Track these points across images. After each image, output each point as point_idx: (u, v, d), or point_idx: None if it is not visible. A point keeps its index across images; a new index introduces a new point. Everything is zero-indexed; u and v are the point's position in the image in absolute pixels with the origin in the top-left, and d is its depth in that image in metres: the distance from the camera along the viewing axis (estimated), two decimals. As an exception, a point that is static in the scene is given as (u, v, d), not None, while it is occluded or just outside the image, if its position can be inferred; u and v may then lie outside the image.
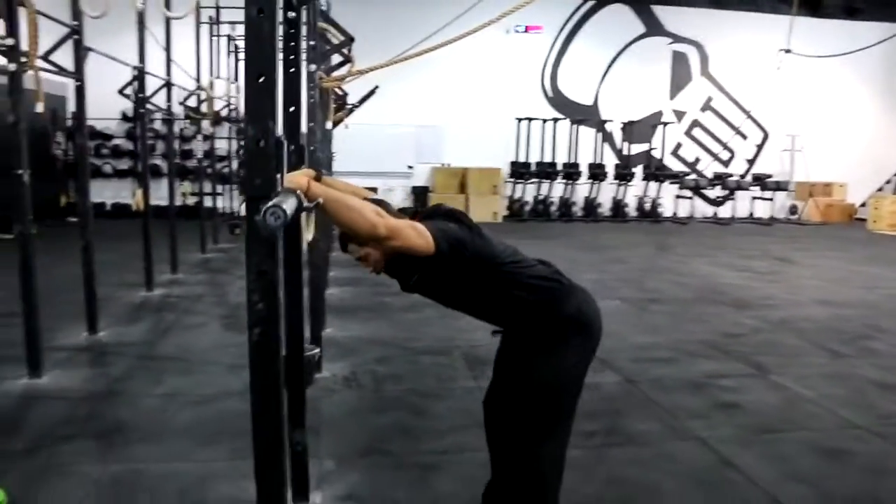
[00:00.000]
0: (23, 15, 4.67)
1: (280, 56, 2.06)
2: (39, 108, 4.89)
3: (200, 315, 6.51)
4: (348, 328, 6.10)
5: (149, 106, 7.96)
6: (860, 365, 5.22)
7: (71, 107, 12.82)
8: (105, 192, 15.26)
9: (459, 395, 4.45)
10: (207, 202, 12.33)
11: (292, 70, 2.95)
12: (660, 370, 5.02)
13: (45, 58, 5.31)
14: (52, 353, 5.10)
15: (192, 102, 10.51)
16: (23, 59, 4.65)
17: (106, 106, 12.75)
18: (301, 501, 3.07)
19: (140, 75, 7.33)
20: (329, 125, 6.10)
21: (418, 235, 2.18)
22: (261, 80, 1.77)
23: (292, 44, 2.92)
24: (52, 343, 5.31)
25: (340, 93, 8.01)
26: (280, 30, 2.22)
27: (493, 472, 2.72)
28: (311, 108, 4.86)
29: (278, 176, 1.77)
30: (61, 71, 5.45)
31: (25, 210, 4.63)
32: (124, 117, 14.80)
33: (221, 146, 13.64)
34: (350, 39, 5.14)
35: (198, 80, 10.45)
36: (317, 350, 4.69)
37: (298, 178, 2.08)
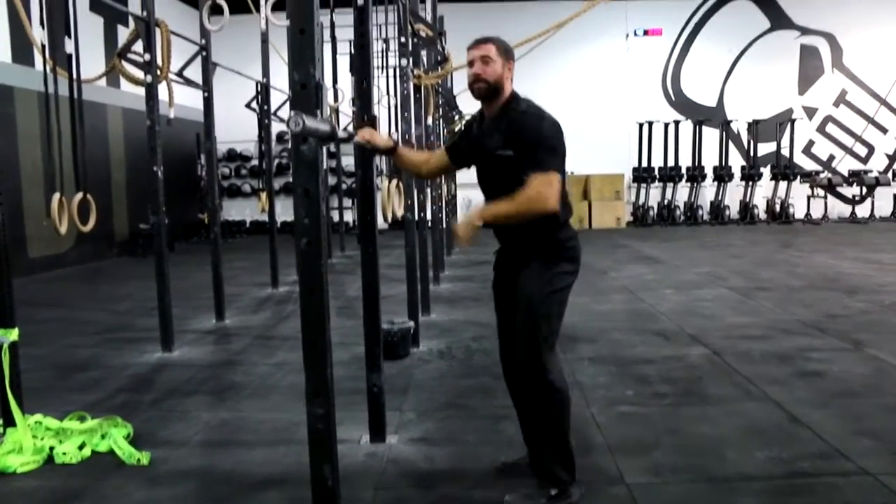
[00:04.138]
0: (158, 35, 5.33)
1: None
2: (171, 113, 5.55)
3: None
4: (452, 314, 6.44)
5: (274, 120, 8.68)
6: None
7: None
8: (245, 210, 16.51)
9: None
10: (335, 215, 13.16)
11: (363, 51, 3.34)
12: (749, 345, 5.01)
13: (179, 73, 6.03)
14: (184, 335, 5.76)
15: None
16: (157, 72, 5.32)
17: (245, 129, 13.91)
18: (377, 442, 3.40)
19: (264, 89, 8.03)
20: (430, 121, 6.49)
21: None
22: (303, 34, 2.13)
23: (362, 28, 3.32)
24: (185, 328, 6.00)
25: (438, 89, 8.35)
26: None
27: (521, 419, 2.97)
28: (404, 99, 5.26)
29: (318, 111, 2.11)
30: (189, 83, 6.14)
31: (160, 203, 5.28)
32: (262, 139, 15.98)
33: (348, 162, 14.40)
34: (438, 34, 5.49)
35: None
36: (411, 324, 5.04)
37: (381, 137, 2.78)
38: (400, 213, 4.30)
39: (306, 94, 2.11)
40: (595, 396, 4.00)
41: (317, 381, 2.19)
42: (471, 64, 2.73)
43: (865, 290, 7.00)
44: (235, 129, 14.08)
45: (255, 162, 16.20)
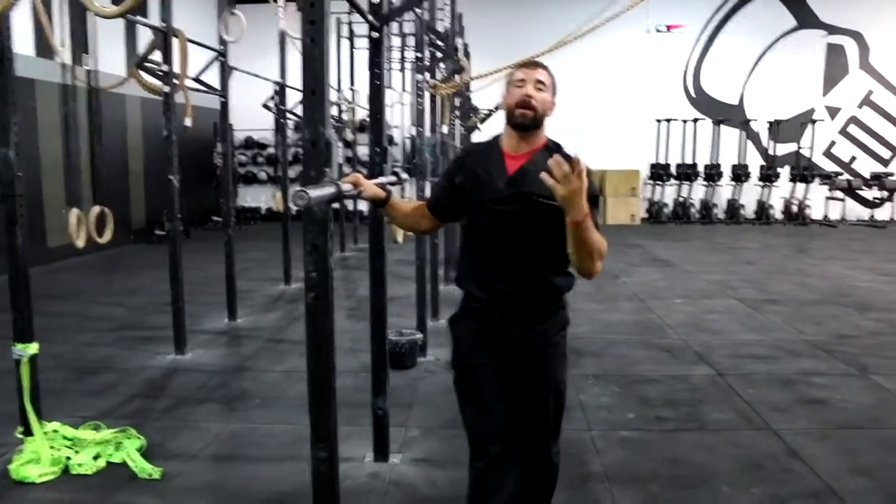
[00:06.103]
0: (176, 44, 5.39)
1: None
2: (188, 122, 5.63)
3: (329, 306, 7.15)
4: (460, 320, 6.49)
5: (291, 117, 8.76)
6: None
7: (230, 121, 14.15)
8: (261, 197, 16.61)
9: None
10: (349, 205, 13.22)
11: (377, 83, 3.39)
12: (753, 366, 5.05)
13: (196, 79, 6.10)
14: (197, 335, 5.87)
15: (333, 112, 11.39)
16: (175, 82, 5.38)
17: (262, 117, 13.97)
18: (381, 461, 3.49)
19: (281, 89, 8.09)
20: (445, 129, 6.54)
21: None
22: (314, 94, 2.19)
23: (376, 60, 3.36)
24: (198, 327, 6.10)
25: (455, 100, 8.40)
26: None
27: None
28: (419, 113, 5.31)
29: (327, 169, 2.17)
30: (209, 89, 6.20)
31: (175, 211, 5.36)
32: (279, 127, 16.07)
33: (363, 152, 14.46)
34: (455, 49, 5.53)
35: (338, 90, 11.28)
36: (419, 335, 5.12)
37: (371, 186, 2.47)
38: (400, 239, 4.38)
39: (316, 151, 2.17)
40: (596, 419, 4.06)
41: (322, 428, 2.27)
42: (520, 84, 2.33)
43: (877, 307, 6.99)
44: (253, 117, 14.13)
45: (271, 150, 16.29)
